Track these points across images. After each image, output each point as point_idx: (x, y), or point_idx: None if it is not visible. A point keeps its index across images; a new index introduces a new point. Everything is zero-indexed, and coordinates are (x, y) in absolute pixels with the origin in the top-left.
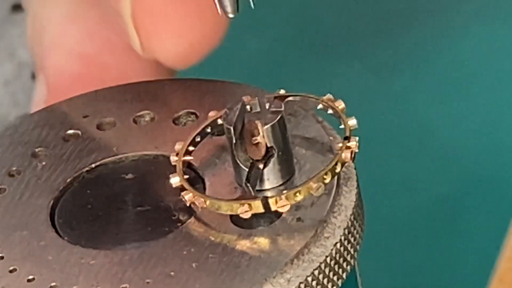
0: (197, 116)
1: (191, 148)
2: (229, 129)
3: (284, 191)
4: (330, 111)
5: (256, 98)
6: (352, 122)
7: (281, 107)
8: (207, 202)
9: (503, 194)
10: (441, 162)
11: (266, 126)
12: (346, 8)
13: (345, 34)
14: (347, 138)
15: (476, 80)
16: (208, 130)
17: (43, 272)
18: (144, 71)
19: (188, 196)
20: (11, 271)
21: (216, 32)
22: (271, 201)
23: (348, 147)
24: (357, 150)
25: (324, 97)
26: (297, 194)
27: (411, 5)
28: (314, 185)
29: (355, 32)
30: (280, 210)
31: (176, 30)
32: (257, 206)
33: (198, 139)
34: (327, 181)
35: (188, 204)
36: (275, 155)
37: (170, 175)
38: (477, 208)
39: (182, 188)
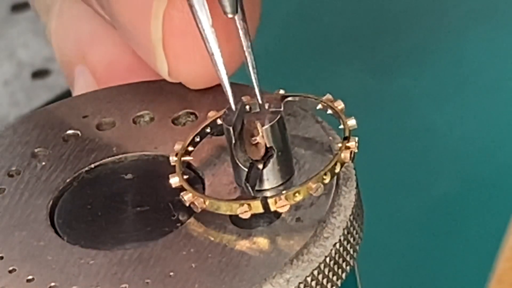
0: (196, 116)
1: (190, 148)
2: (228, 129)
3: (284, 191)
4: (329, 111)
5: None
6: (352, 122)
7: (280, 107)
8: (207, 202)
9: (503, 194)
10: (441, 162)
11: (265, 126)
12: (346, 8)
13: (345, 34)
14: (346, 138)
15: (476, 80)
16: (208, 130)
17: (43, 272)
18: None
19: (187, 196)
20: (10, 271)
21: (241, 52)
22: (270, 201)
23: (348, 147)
24: (356, 150)
25: (324, 97)
26: (297, 194)
27: (411, 5)
28: (314, 185)
29: (355, 32)
30: (279, 210)
31: (205, 53)
32: (257, 206)
33: (197, 139)
34: (326, 181)
35: (187, 204)
36: (275, 155)
37: (170, 175)
38: (476, 208)
39: (181, 188)
